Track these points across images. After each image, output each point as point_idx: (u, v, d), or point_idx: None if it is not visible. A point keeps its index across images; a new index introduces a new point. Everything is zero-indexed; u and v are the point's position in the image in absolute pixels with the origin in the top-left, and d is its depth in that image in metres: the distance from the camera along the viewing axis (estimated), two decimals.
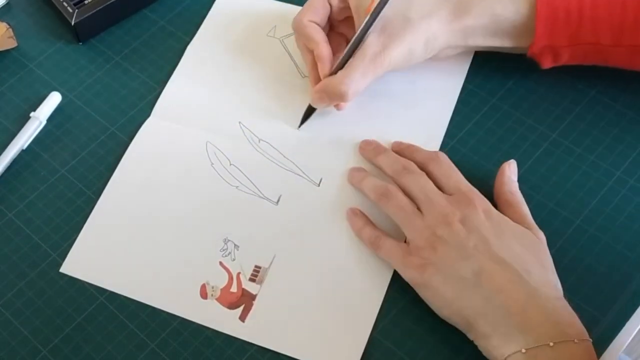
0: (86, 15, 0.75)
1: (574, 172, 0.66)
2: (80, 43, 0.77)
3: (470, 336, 0.57)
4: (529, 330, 0.53)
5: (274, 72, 0.73)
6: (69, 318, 0.61)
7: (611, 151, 0.67)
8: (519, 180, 0.65)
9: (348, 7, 0.68)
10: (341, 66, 0.66)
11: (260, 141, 0.69)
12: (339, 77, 0.65)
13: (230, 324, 0.60)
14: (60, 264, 0.63)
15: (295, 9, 0.74)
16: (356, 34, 0.65)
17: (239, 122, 0.70)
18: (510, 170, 0.64)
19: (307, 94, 0.70)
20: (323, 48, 0.66)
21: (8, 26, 0.75)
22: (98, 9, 0.75)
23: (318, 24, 0.68)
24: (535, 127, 0.68)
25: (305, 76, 0.72)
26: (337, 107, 0.68)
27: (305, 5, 0.69)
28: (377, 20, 0.64)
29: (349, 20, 0.69)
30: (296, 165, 0.67)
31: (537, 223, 0.60)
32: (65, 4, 0.75)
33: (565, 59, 0.67)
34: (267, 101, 0.71)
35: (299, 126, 0.69)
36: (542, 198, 0.65)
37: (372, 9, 0.64)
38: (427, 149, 0.66)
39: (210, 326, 0.60)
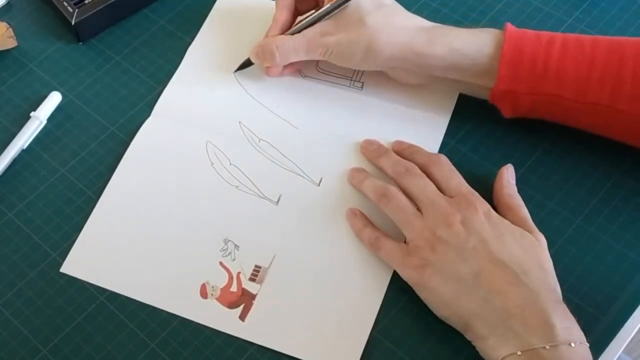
0: (86, 15, 0.75)
1: (574, 172, 0.66)
2: (81, 43, 0.77)
3: (468, 337, 0.57)
4: (526, 332, 0.53)
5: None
6: (69, 318, 0.61)
7: (611, 151, 0.66)
8: (519, 180, 0.65)
9: None
10: (290, 34, 0.68)
11: (261, 141, 0.69)
12: (274, 39, 0.68)
13: (230, 323, 0.60)
14: (60, 264, 0.63)
15: None
16: (316, 13, 0.67)
17: (239, 122, 0.70)
18: (508, 174, 0.64)
19: (307, 94, 0.70)
20: (281, 13, 0.69)
21: (8, 26, 0.75)
22: (98, 8, 0.75)
23: None
24: (534, 127, 0.68)
25: (306, 76, 0.72)
26: (266, 70, 0.71)
27: None
28: (340, 9, 0.66)
29: None
30: (296, 165, 0.67)
31: (537, 223, 0.60)
32: (65, 3, 0.75)
33: (525, 109, 0.65)
34: (267, 101, 0.71)
35: (234, 71, 0.72)
36: (542, 198, 0.65)
37: None
38: (427, 149, 0.66)
39: (210, 326, 0.60)
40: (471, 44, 0.64)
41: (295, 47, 0.67)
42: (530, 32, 0.64)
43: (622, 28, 0.74)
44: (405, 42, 0.64)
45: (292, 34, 0.68)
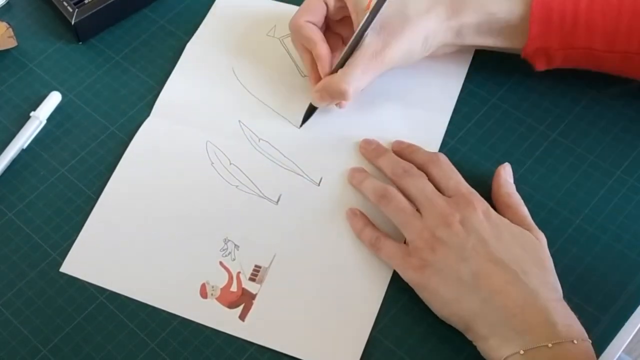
0: (86, 15, 0.75)
1: (574, 172, 0.66)
2: (80, 42, 0.77)
3: (469, 337, 0.57)
4: (527, 331, 0.53)
5: (274, 72, 0.73)
6: (69, 318, 0.61)
7: (611, 150, 0.67)
8: (519, 180, 0.65)
9: (345, 7, 0.68)
10: (341, 64, 0.66)
11: (260, 140, 0.69)
12: (339, 75, 0.65)
13: (230, 323, 0.60)
14: (60, 264, 0.63)
15: (294, 9, 0.74)
16: (356, 32, 0.65)
17: (239, 121, 0.70)
18: (505, 173, 0.64)
19: (307, 93, 0.70)
20: (322, 47, 0.66)
21: (8, 26, 0.75)
22: (98, 8, 0.75)
23: (315, 24, 0.68)
24: (535, 127, 0.68)
25: (305, 75, 0.72)
26: (339, 105, 0.68)
27: (302, 6, 0.69)
28: (375, 18, 0.64)
29: (345, 20, 0.69)
30: (296, 165, 0.67)
31: (537, 222, 0.60)
32: (65, 3, 0.75)
33: (558, 62, 0.67)
34: (267, 100, 0.71)
35: (300, 125, 0.69)
36: (542, 197, 0.65)
37: (371, 7, 0.64)
38: (427, 148, 0.66)
39: (210, 325, 0.60)
40: (503, 6, 0.65)
41: (364, 72, 0.65)
42: None
43: None
44: (448, 18, 0.65)
45: (341, 65, 0.66)
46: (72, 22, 0.74)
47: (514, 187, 0.63)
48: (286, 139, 0.69)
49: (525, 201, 0.62)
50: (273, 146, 0.68)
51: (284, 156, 0.68)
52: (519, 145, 0.68)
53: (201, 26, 0.76)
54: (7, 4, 0.80)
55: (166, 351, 0.59)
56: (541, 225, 0.60)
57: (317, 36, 0.67)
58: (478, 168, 0.66)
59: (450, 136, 0.68)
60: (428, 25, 0.65)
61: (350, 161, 0.67)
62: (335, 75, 0.66)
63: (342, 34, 0.71)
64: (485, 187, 0.63)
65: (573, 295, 0.58)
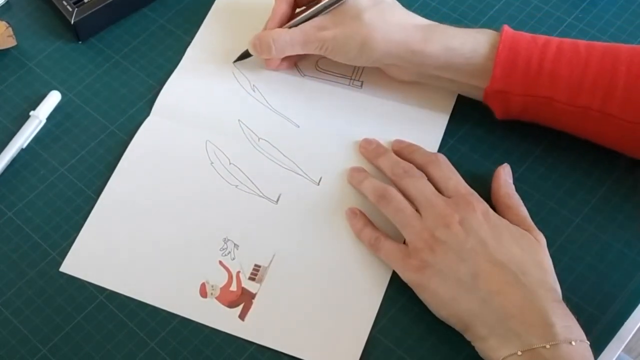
0: (86, 14, 0.75)
1: (574, 171, 0.66)
2: (80, 42, 0.77)
3: (468, 337, 0.57)
4: (526, 332, 0.53)
5: (273, 72, 0.73)
6: (69, 317, 0.61)
7: (611, 150, 0.66)
8: (518, 179, 0.65)
9: None
10: (287, 27, 0.68)
11: (260, 140, 0.69)
12: (272, 32, 0.69)
13: (229, 322, 0.60)
14: (60, 263, 0.63)
15: None
16: (314, 7, 0.67)
17: (239, 121, 0.70)
18: (505, 173, 0.64)
19: (307, 92, 0.70)
20: (279, 5, 0.69)
21: (7, 25, 0.75)
22: (98, 7, 0.75)
23: None
24: (534, 126, 0.68)
25: (305, 75, 0.72)
26: (265, 62, 0.71)
27: None
28: (338, 5, 0.66)
29: None
30: (296, 164, 0.67)
31: (536, 222, 0.60)
32: (64, 2, 0.75)
33: (517, 111, 0.65)
34: (266, 100, 0.71)
35: (234, 61, 0.73)
36: (541, 196, 0.65)
37: None
38: (426, 147, 0.66)
39: (210, 325, 0.60)
40: (466, 44, 0.64)
41: (292, 40, 0.68)
42: (527, 35, 0.64)
43: (622, 27, 0.74)
44: (400, 39, 0.65)
45: (290, 27, 0.68)
46: (72, 22, 0.74)
47: (513, 187, 0.63)
48: (286, 138, 0.69)
49: (524, 200, 0.62)
50: (273, 145, 0.68)
51: (284, 155, 0.68)
52: (518, 144, 0.67)
53: (202, 26, 0.76)
54: (7, 3, 0.80)
55: (166, 350, 0.59)
56: (541, 225, 0.60)
57: None
58: (477, 168, 0.66)
59: (449, 135, 0.68)
60: (372, 34, 0.65)
61: (350, 161, 0.67)
62: (270, 30, 0.69)
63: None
64: (484, 186, 0.63)
65: (572, 294, 0.58)
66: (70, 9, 0.75)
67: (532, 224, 0.60)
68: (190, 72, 0.73)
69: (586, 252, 0.62)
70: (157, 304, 0.61)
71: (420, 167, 0.63)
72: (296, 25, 0.68)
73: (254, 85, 0.72)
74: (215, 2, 0.78)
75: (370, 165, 0.66)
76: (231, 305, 0.61)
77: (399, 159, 0.64)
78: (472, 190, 0.61)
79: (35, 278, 0.63)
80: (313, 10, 0.67)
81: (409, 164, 0.64)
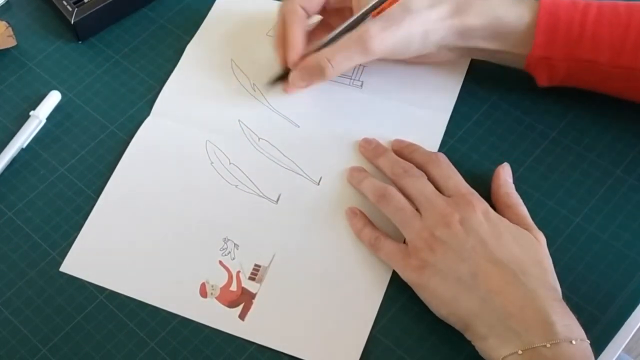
0: (86, 14, 0.75)
1: (574, 170, 0.66)
2: (80, 42, 0.77)
3: (468, 336, 0.57)
4: (526, 331, 0.53)
5: (274, 71, 0.72)
6: (69, 317, 0.61)
7: (611, 149, 0.66)
8: (518, 179, 0.65)
9: None
10: (327, 44, 0.66)
11: (260, 140, 0.69)
12: (323, 52, 0.65)
13: (229, 322, 0.60)
14: (60, 263, 0.63)
15: None
16: (354, 16, 0.65)
17: (239, 121, 0.70)
18: (505, 173, 0.64)
19: (307, 92, 0.70)
20: (295, 32, 0.66)
21: (7, 25, 0.75)
22: (97, 7, 0.75)
23: (307, 11, 0.68)
24: (534, 126, 0.68)
25: None
26: (290, 88, 0.69)
27: None
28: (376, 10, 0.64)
29: (341, 11, 0.69)
30: (296, 164, 0.67)
31: (536, 221, 0.60)
32: (64, 2, 0.75)
33: (561, 77, 0.65)
34: (266, 99, 0.71)
35: (271, 83, 0.70)
36: (541, 196, 0.65)
37: None
38: (426, 147, 0.66)
39: (210, 325, 0.60)
40: (511, 12, 0.64)
41: (350, 55, 0.65)
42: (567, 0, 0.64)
43: None
44: (451, 17, 0.64)
45: (327, 44, 0.65)
46: (72, 21, 0.74)
47: (513, 187, 0.63)
48: (286, 138, 0.69)
49: (524, 200, 0.62)
50: (273, 145, 0.68)
51: (284, 155, 0.68)
52: (518, 144, 0.67)
53: (202, 26, 0.76)
54: (7, 3, 0.80)
55: (166, 350, 0.59)
56: (541, 224, 0.60)
57: (297, 20, 0.66)
58: (478, 167, 0.66)
59: (449, 135, 0.68)
60: (429, 20, 0.64)
61: (350, 160, 0.67)
62: (321, 52, 0.65)
63: (333, 25, 0.69)
64: (484, 186, 0.63)
65: (573, 294, 0.58)
66: (70, 9, 0.75)
67: (532, 223, 0.60)
68: (190, 72, 0.73)
69: (586, 252, 0.62)
70: (157, 304, 0.61)
71: (420, 167, 0.63)
72: (334, 39, 0.65)
73: (254, 85, 0.72)
74: (216, 1, 0.78)
75: (370, 165, 0.66)
76: (231, 305, 0.61)
77: (398, 158, 0.64)
78: (472, 190, 0.61)
79: (35, 278, 0.63)
80: (351, 22, 0.65)
81: (408, 163, 0.64)
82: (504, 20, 0.64)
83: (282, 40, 0.68)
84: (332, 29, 0.68)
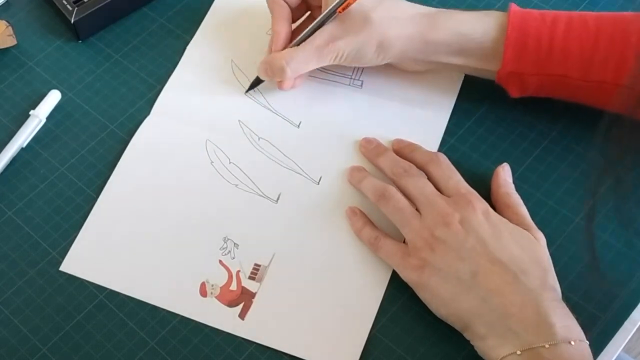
0: (86, 13, 0.75)
1: (574, 170, 0.66)
2: (80, 41, 0.77)
3: (467, 336, 0.57)
4: (525, 331, 0.53)
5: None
6: (69, 316, 0.61)
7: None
8: (518, 178, 0.65)
9: None
10: (297, 44, 0.66)
11: (260, 139, 0.69)
12: (282, 53, 0.66)
13: (229, 322, 0.60)
14: (60, 262, 0.63)
15: None
16: (317, 20, 0.65)
17: (239, 120, 0.70)
18: (504, 173, 0.64)
19: (307, 92, 0.70)
20: (279, 24, 0.68)
21: (7, 24, 0.75)
22: (97, 7, 0.75)
23: (288, 4, 0.68)
24: (534, 125, 0.68)
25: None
26: (279, 85, 0.69)
27: None
28: (344, 11, 0.64)
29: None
30: (296, 164, 0.67)
31: (536, 221, 0.60)
32: (64, 1, 0.75)
33: (532, 89, 0.65)
34: (266, 99, 0.71)
35: (246, 92, 0.71)
36: (541, 196, 0.65)
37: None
38: (426, 146, 0.66)
39: (210, 324, 0.60)
40: (476, 28, 0.64)
41: (306, 58, 0.66)
42: (535, 12, 0.64)
43: None
44: (413, 32, 0.64)
45: (298, 44, 0.67)
46: (72, 21, 0.74)
47: (513, 187, 0.63)
48: (286, 137, 0.69)
49: (524, 200, 0.62)
50: (273, 145, 0.68)
51: (284, 155, 0.68)
52: (518, 143, 0.67)
53: (201, 26, 0.76)
54: (7, 2, 0.80)
55: (166, 350, 0.59)
56: (541, 224, 0.60)
57: (280, 13, 0.68)
58: (477, 167, 0.66)
59: (449, 134, 0.68)
60: (387, 33, 0.64)
61: (350, 160, 0.67)
62: (280, 52, 0.67)
63: (316, 15, 0.69)
64: (484, 185, 0.63)
65: (572, 293, 0.58)
66: (70, 8, 0.75)
67: (532, 223, 0.60)
68: (190, 71, 0.73)
69: (586, 252, 0.62)
70: (157, 303, 0.61)
71: (420, 167, 0.63)
72: (303, 41, 0.66)
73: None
74: (215, 2, 0.78)
75: (370, 165, 0.66)
76: (231, 304, 0.61)
77: (398, 158, 0.64)
78: (472, 190, 0.61)
79: (35, 277, 0.63)
80: (317, 22, 0.66)
81: (408, 163, 0.63)
82: (470, 36, 0.64)
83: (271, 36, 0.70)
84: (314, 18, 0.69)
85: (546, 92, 0.65)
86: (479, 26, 0.64)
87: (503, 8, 0.75)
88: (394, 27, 0.64)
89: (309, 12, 0.72)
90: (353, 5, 0.64)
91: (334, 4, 0.64)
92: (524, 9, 0.64)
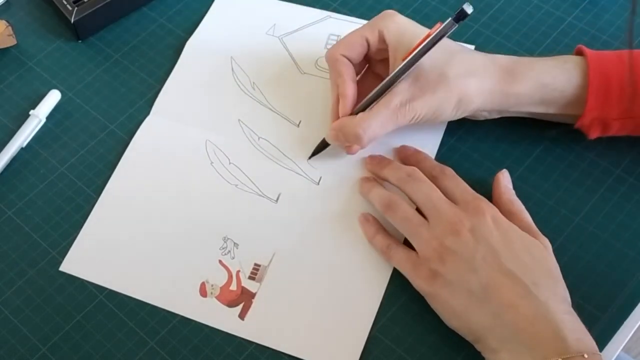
0: (85, 13, 0.75)
1: (574, 170, 0.66)
2: (80, 41, 0.77)
3: (478, 348, 0.56)
4: (538, 345, 0.52)
5: (273, 70, 0.73)
6: (69, 316, 0.61)
7: (611, 149, 0.66)
8: (518, 178, 0.65)
9: (387, 49, 0.64)
10: (364, 108, 0.63)
11: (260, 139, 0.69)
12: (357, 120, 0.62)
13: (229, 322, 0.60)
14: (60, 262, 0.63)
15: (294, 7, 0.74)
16: (387, 79, 0.62)
17: (239, 120, 0.70)
18: (505, 179, 0.63)
19: (307, 91, 0.70)
20: (347, 86, 0.64)
21: (7, 24, 0.75)
22: (97, 6, 0.75)
23: (351, 60, 0.65)
24: (534, 125, 0.68)
25: (305, 72, 0.72)
26: (348, 149, 0.65)
27: (342, 38, 0.66)
28: (412, 69, 0.61)
29: (387, 61, 0.65)
30: (296, 164, 0.67)
31: (536, 221, 0.60)
32: (64, 1, 0.75)
33: (614, 131, 0.63)
34: (266, 99, 0.71)
35: (309, 158, 0.67)
36: (541, 196, 0.65)
37: (409, 57, 0.60)
38: (426, 147, 0.66)
39: (210, 324, 0.60)
40: (558, 77, 0.62)
41: (383, 123, 0.62)
42: (610, 54, 0.62)
43: (622, 27, 0.73)
44: (492, 86, 0.62)
45: (367, 105, 0.63)
46: (72, 21, 0.74)
47: (514, 193, 0.62)
48: (286, 137, 0.69)
49: (524, 200, 0.62)
50: (273, 145, 0.68)
51: (284, 155, 0.68)
52: (518, 143, 0.67)
53: (200, 25, 0.76)
54: (7, 2, 0.80)
55: (165, 349, 0.59)
56: (541, 224, 0.60)
57: (347, 73, 0.64)
58: (477, 167, 0.66)
59: (449, 134, 0.68)
60: (466, 89, 0.61)
61: (350, 160, 0.67)
62: (354, 118, 0.63)
63: (382, 75, 0.66)
64: (484, 185, 0.63)
65: (573, 293, 0.58)
66: (70, 8, 0.75)
67: (537, 229, 0.59)
68: (190, 71, 0.73)
69: (586, 252, 0.62)
70: (157, 303, 0.61)
71: (426, 175, 0.62)
72: (372, 101, 0.62)
73: (253, 84, 0.72)
74: (215, 1, 0.78)
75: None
76: (231, 304, 0.61)
77: (401, 164, 0.64)
78: (479, 195, 0.60)
79: (35, 277, 0.63)
80: (388, 81, 0.61)
81: (411, 167, 0.63)
82: (552, 86, 0.62)
83: (335, 96, 0.66)
84: (380, 78, 0.64)
85: (627, 132, 0.64)
86: (561, 75, 0.62)
87: (509, 10, 0.75)
88: (472, 83, 0.62)
89: (367, 66, 0.69)
90: (424, 62, 0.60)
91: (406, 61, 0.60)
92: (597, 51, 0.63)
